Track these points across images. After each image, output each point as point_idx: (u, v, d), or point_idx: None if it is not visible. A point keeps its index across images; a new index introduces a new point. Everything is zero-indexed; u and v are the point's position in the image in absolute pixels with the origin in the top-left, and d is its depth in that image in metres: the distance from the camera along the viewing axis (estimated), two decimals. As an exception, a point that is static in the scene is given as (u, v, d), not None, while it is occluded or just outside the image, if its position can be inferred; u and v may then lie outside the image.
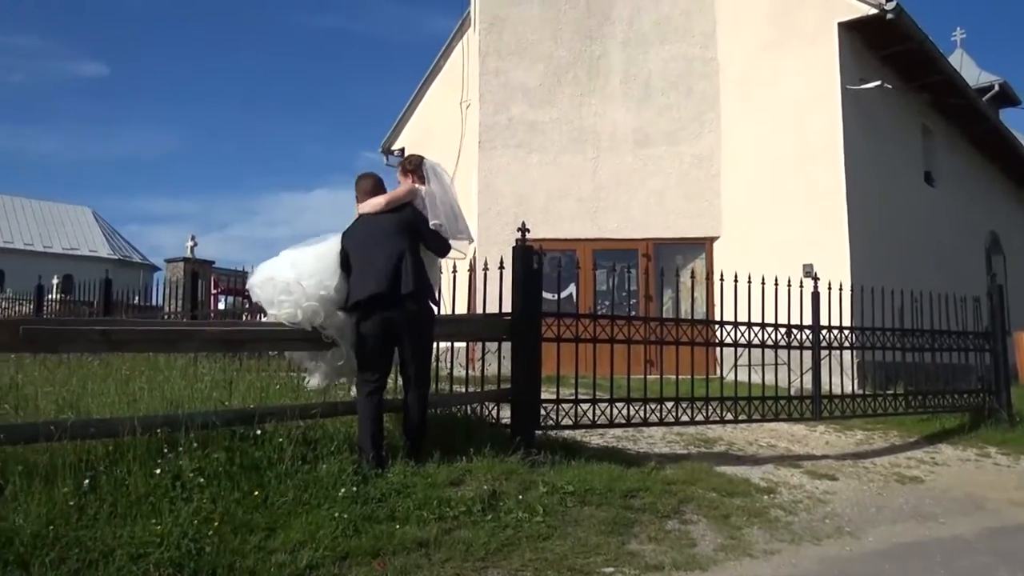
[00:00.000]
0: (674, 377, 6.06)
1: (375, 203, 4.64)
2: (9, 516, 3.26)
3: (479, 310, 5.77)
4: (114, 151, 78.51)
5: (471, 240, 5.03)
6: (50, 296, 15.81)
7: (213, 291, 14.29)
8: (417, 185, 4.78)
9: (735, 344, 6.66)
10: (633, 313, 11.01)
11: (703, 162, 12.38)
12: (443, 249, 4.71)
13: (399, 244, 4.47)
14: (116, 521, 3.40)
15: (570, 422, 5.45)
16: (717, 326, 6.68)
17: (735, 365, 6.97)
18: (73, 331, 3.75)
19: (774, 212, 11.47)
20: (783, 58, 11.73)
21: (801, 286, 7.18)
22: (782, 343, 6.95)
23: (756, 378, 7.13)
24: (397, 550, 3.61)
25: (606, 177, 12.57)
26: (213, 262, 16.59)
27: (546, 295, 5.80)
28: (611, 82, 12.70)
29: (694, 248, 12.38)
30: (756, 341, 6.74)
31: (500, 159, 12.70)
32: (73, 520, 3.34)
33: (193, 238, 17.73)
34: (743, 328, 6.66)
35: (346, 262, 4.49)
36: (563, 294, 8.24)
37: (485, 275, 5.48)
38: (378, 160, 17.99)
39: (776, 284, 6.92)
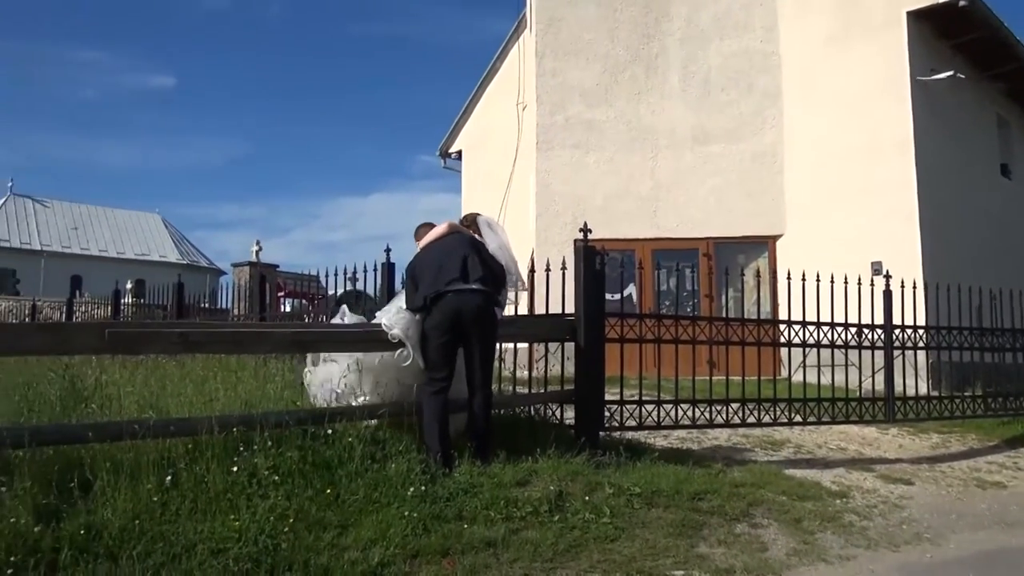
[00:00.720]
0: (738, 378, 5.95)
1: (438, 230, 4.88)
2: (98, 511, 3.40)
3: (538, 311, 5.77)
4: (182, 159, 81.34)
5: (524, 288, 5.28)
6: (124, 300, 16.49)
7: (278, 294, 14.68)
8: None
9: (803, 344, 6.50)
10: (694, 313, 10.86)
11: (765, 159, 12.13)
12: (501, 279, 4.81)
13: (465, 250, 4.64)
14: (197, 516, 3.51)
15: (634, 423, 5.41)
16: (784, 326, 6.53)
17: (802, 365, 6.80)
18: (153, 333, 3.90)
19: (840, 208, 11.16)
20: (849, 50, 11.40)
21: (872, 284, 6.97)
22: (852, 343, 6.75)
23: (823, 379, 6.95)
24: (466, 549, 3.64)
25: (665, 176, 12.43)
26: (277, 266, 17.04)
27: (607, 296, 5.76)
28: (669, 80, 12.56)
29: (756, 247, 12.14)
30: (825, 341, 6.57)
31: (558, 160, 12.68)
32: (157, 515, 3.46)
33: (258, 243, 18.27)
34: (812, 328, 6.50)
35: (413, 282, 4.67)
36: (624, 294, 8.19)
37: (547, 276, 5.48)
38: (435, 163, 18.19)
39: (846, 282, 6.73)
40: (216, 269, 44.14)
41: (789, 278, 6.54)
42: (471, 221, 5.11)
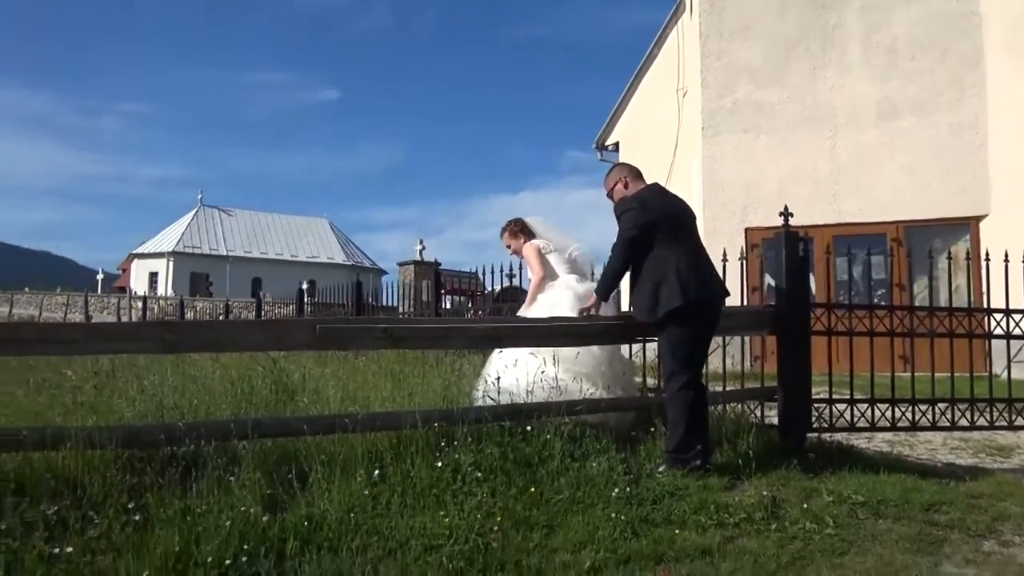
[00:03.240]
0: (938, 375, 5.25)
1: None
2: (315, 502, 3.48)
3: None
4: (345, 167, 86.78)
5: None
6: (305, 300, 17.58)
7: (441, 291, 15.07)
8: (535, 241, 5.26)
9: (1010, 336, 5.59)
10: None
11: (964, 131, 10.94)
12: None
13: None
14: (406, 511, 3.52)
15: (845, 424, 4.93)
16: (1000, 315, 5.65)
17: (1013, 360, 5.89)
18: (360, 329, 3.98)
19: (1060, 183, 9.83)
20: (1069, 1, 10.02)
21: None
22: None
23: None
24: (680, 556, 3.40)
25: (845, 156, 11.53)
26: (439, 264, 17.55)
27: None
28: (849, 52, 11.63)
29: (956, 229, 10.99)
30: None
31: (725, 145, 12.09)
32: (369, 508, 3.49)
33: (422, 241, 18.90)
34: None
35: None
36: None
37: (724, 267, 5.08)
38: (583, 159, 18.02)
39: None
40: (378, 269, 46.47)
41: (1007, 260, 5.65)
42: (521, 226, 5.32)
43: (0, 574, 2.80)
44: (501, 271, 7.97)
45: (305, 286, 22.99)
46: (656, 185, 4.49)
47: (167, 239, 46.52)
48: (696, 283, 4.13)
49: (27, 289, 34.64)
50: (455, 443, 3.95)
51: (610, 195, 4.52)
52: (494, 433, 4.06)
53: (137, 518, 3.16)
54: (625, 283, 4.43)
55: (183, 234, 46.14)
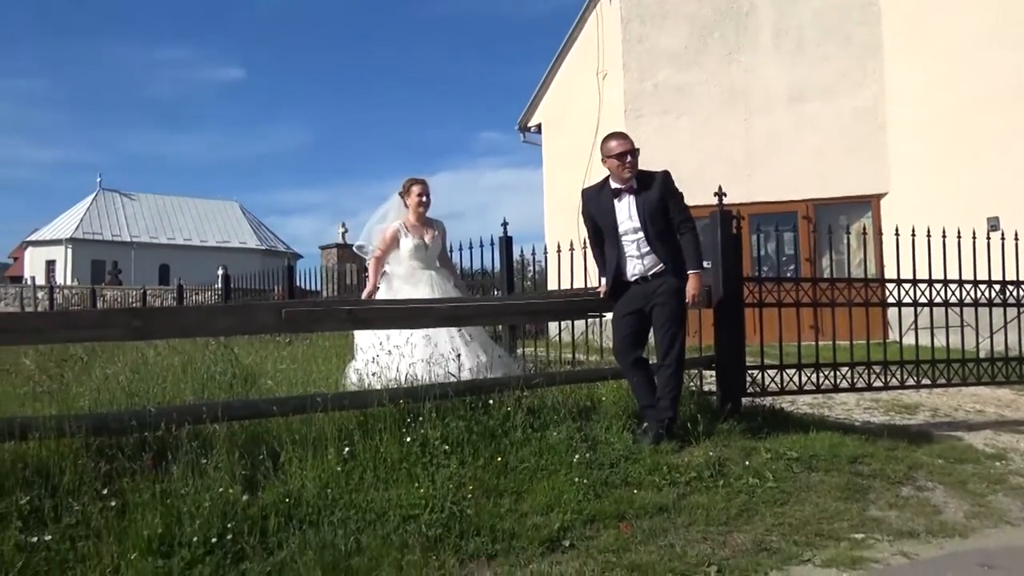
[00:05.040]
0: (845, 343, 5.72)
1: None
2: (290, 481, 3.55)
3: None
4: (254, 148, 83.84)
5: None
6: (217, 286, 17.08)
7: (364, 274, 14.98)
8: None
9: (915, 304, 6.08)
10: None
11: (866, 115, 11.68)
12: None
13: None
14: (380, 485, 3.64)
15: (776, 388, 5.33)
16: (893, 285, 6.12)
17: (913, 327, 6.43)
18: (324, 311, 4.03)
19: (950, 163, 10.64)
20: (958, -6, 10.81)
21: (988, 240, 6.50)
22: (968, 301, 6.32)
23: (926, 340, 6.56)
24: (639, 514, 3.66)
25: (759, 138, 12.12)
26: (362, 246, 17.37)
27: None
28: (761, 38, 12.19)
29: (859, 206, 11.75)
30: (938, 300, 6.11)
31: (647, 127, 12.46)
32: (343, 484, 3.59)
33: (344, 224, 18.68)
34: (923, 286, 6.07)
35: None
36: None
37: None
38: (498, 140, 18.14)
39: (959, 237, 6.26)
40: (293, 253, 45.36)
41: (898, 234, 6.08)
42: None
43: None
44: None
45: (221, 272, 22.39)
46: None
47: (64, 225, 44.01)
48: None
49: (-93, 281, 32.24)
50: (420, 419, 4.08)
51: (635, 154, 4.55)
52: (457, 407, 4.22)
53: (114, 503, 3.16)
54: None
55: (82, 220, 43.75)
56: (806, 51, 11.96)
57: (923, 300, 6.14)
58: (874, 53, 11.63)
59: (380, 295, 5.18)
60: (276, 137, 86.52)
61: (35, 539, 2.94)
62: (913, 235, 5.91)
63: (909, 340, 6.82)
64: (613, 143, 4.55)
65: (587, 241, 4.85)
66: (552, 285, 7.75)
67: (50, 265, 42.61)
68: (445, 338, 4.88)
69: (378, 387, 4.19)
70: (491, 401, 4.25)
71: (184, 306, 12.32)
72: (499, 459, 3.92)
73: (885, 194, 11.53)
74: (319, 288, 12.89)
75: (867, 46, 11.66)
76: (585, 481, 3.83)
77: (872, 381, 5.81)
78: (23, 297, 21.05)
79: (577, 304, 4.78)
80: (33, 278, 30.15)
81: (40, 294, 20.96)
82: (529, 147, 18.11)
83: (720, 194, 5.31)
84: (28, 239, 45.51)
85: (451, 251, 6.23)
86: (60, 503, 3.12)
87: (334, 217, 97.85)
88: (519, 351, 6.71)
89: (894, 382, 5.91)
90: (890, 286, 5.88)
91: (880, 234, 10.30)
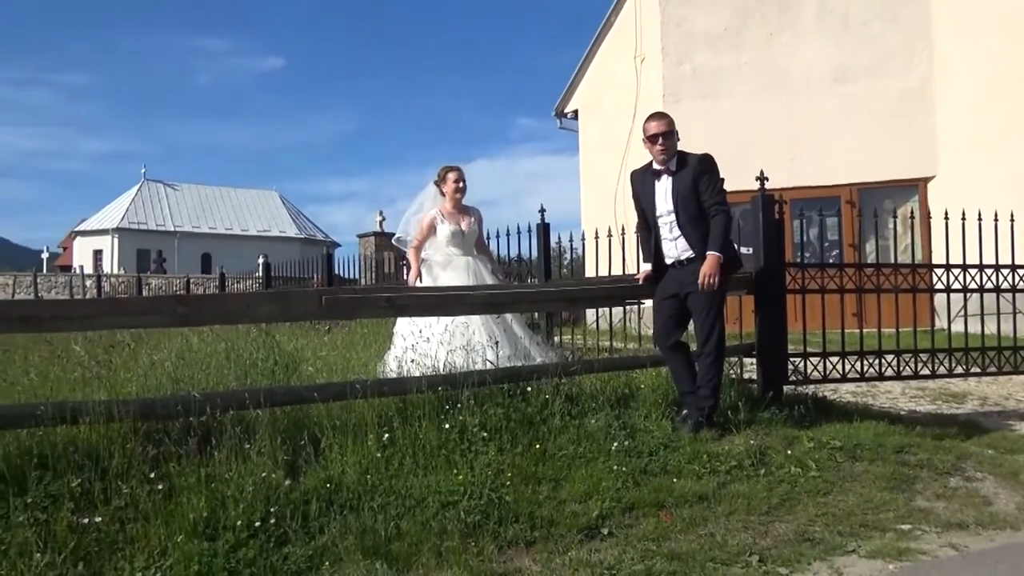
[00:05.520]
0: (905, 330, 5.54)
1: None
2: (330, 466, 3.60)
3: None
4: (294, 138, 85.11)
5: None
6: (258, 274, 17.35)
7: (401, 262, 15.07)
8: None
9: (980, 290, 5.91)
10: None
11: (913, 95, 11.36)
12: None
13: None
14: (419, 471, 3.66)
15: (819, 376, 5.23)
16: (942, 271, 5.91)
17: (961, 313, 6.20)
18: (363, 299, 4.06)
19: (1003, 144, 10.30)
20: (1013, -32, 10.40)
21: None
22: (1020, 287, 6.09)
23: (975, 328, 6.35)
24: (679, 502, 3.63)
25: (801, 121, 11.86)
26: (401, 238, 17.45)
27: (743, 249, 5.45)
28: (804, 18, 11.91)
29: (905, 190, 11.45)
30: (989, 286, 5.90)
31: (686, 111, 12.25)
32: (383, 470, 3.62)
33: (381, 213, 18.80)
34: (973, 271, 5.86)
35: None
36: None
37: None
38: (535, 127, 18.08)
39: (1012, 220, 6.03)
40: (332, 242, 45.85)
41: (947, 218, 5.86)
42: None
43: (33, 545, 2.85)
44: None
45: (261, 260, 22.77)
46: None
47: (111, 215, 45.07)
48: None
49: (-36, 270, 33.35)
50: (458, 406, 4.09)
51: (670, 137, 4.49)
52: (496, 395, 4.22)
53: (161, 487, 3.23)
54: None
55: (127, 210, 44.74)
56: (852, 30, 11.65)
57: (973, 286, 5.97)
58: (923, 31, 11.28)
59: (420, 283, 5.21)
60: (316, 126, 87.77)
61: (86, 520, 3.02)
62: (963, 219, 5.73)
63: (956, 328, 6.63)
64: (649, 123, 4.50)
65: (625, 227, 4.83)
66: (590, 272, 7.70)
67: (97, 254, 43.72)
68: (483, 325, 4.89)
69: (417, 374, 4.21)
70: (529, 388, 4.25)
71: (227, 293, 12.52)
72: (537, 446, 3.92)
73: (932, 177, 11.21)
74: (357, 276, 13.03)
75: (915, 24, 11.32)
76: (624, 469, 3.81)
77: (919, 369, 5.67)
78: (72, 286, 21.68)
79: (615, 291, 4.74)
80: (82, 267, 31.01)
81: (88, 283, 21.55)
82: (566, 133, 18.02)
83: (762, 178, 5.21)
84: (76, 229, 46.72)
85: (487, 239, 6.22)
86: (109, 486, 3.19)
87: (371, 206, 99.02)
88: (556, 339, 6.70)
89: (942, 370, 5.76)
90: (938, 271, 5.71)
91: (928, 218, 10.02)
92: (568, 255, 12.05)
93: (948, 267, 5.63)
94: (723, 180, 4.47)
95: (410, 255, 5.39)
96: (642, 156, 4.73)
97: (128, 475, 3.25)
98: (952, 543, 3.39)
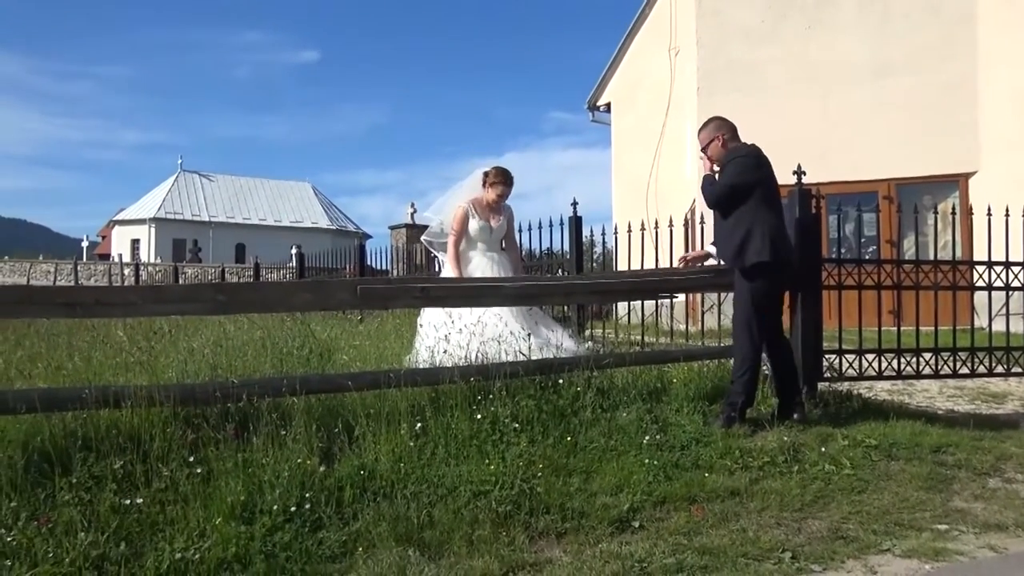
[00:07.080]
0: (943, 328, 5.43)
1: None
2: (364, 454, 3.64)
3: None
4: (328, 129, 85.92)
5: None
6: (291, 264, 17.55)
7: (432, 254, 15.13)
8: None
9: (1007, 288, 5.72)
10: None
11: (954, 89, 11.09)
12: None
13: None
14: (451, 461, 3.69)
15: (854, 373, 5.16)
16: (983, 268, 5.76)
17: (1004, 311, 6.06)
18: (399, 288, 4.11)
19: (1049, 140, 10.03)
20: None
21: None
22: None
23: (1017, 327, 6.19)
24: (711, 497, 3.62)
25: (838, 115, 11.65)
26: (431, 241, 17.53)
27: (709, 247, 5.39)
28: (842, 10, 11.69)
29: (945, 186, 11.21)
30: None
31: (720, 105, 12.09)
32: (415, 459, 3.66)
33: (412, 205, 18.88)
34: (1017, 268, 5.70)
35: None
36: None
37: None
38: (566, 120, 18.04)
39: None
40: (363, 233, 46.23)
41: (990, 214, 5.70)
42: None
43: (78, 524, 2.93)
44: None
45: (294, 251, 23.04)
46: (758, 147, 4.68)
47: (148, 205, 45.93)
48: (783, 244, 4.47)
49: (7, 257, 34.22)
50: (490, 397, 4.11)
51: (705, 150, 4.71)
52: (527, 387, 4.24)
53: (200, 470, 3.30)
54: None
55: (164, 200, 45.57)
56: (892, 23, 11.41)
57: (1015, 284, 5.83)
58: (966, 24, 11.01)
59: (442, 274, 5.26)
60: (349, 119, 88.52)
61: (128, 501, 3.09)
62: (1007, 215, 5.61)
63: (997, 327, 6.49)
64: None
65: (658, 220, 4.87)
66: (621, 266, 7.67)
67: (135, 243, 44.61)
68: (515, 317, 4.91)
69: (449, 365, 4.25)
70: (560, 381, 4.26)
71: (265, 282, 12.71)
72: (568, 438, 3.93)
73: (974, 173, 10.96)
74: (388, 267, 13.13)
75: (959, 16, 11.05)
76: (655, 463, 3.81)
77: (958, 368, 5.56)
78: (111, 274, 22.15)
79: (647, 284, 4.72)
80: (120, 256, 31.64)
81: (127, 271, 22.00)
82: (598, 126, 17.96)
83: (799, 173, 5.14)
84: (115, 218, 47.69)
85: (519, 231, 6.23)
86: (150, 468, 3.27)
87: (402, 198, 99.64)
88: (587, 332, 6.69)
89: (981, 369, 5.65)
90: (979, 269, 5.59)
91: (970, 214, 9.81)
92: (599, 248, 11.97)
93: (990, 264, 5.51)
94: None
95: (449, 244, 5.42)
96: (677, 148, 4.73)
97: (168, 458, 3.33)
98: (991, 544, 3.34)
